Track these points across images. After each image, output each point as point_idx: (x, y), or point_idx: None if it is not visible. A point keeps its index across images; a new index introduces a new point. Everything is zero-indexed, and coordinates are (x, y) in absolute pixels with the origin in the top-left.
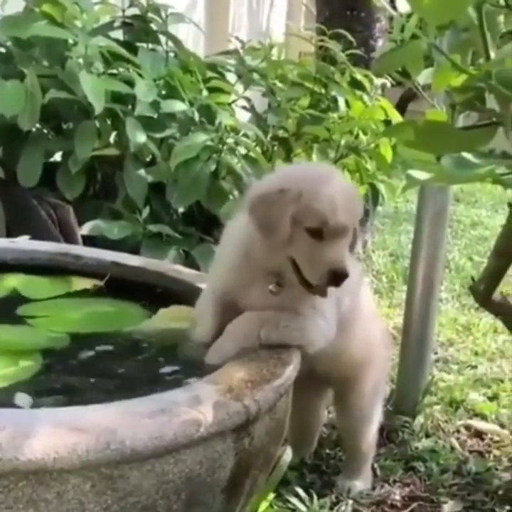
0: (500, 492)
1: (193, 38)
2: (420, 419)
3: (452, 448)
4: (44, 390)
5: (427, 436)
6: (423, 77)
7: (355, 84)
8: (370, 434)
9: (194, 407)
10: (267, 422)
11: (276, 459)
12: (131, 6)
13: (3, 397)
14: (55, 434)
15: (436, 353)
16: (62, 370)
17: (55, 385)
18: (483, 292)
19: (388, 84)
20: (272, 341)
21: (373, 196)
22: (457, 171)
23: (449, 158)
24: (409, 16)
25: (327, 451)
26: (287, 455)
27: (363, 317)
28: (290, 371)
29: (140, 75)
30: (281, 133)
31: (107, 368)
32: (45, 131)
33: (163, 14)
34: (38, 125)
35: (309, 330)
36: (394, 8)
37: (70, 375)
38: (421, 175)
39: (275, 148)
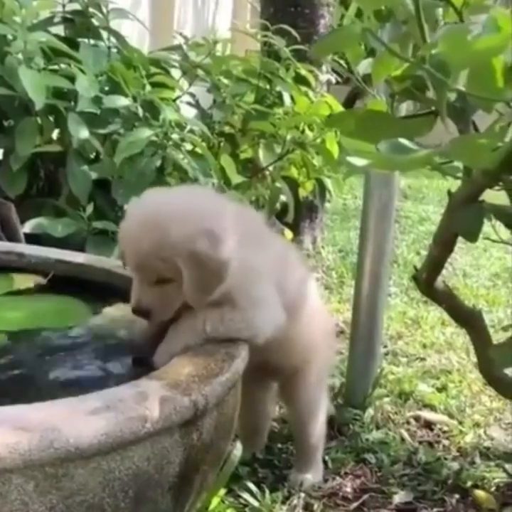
0: (450, 481)
1: (137, 35)
2: (370, 411)
3: (402, 439)
4: None
5: (378, 428)
6: (363, 67)
7: (300, 80)
8: (318, 426)
9: (140, 403)
10: (215, 417)
11: (226, 454)
12: (71, 1)
13: None
14: None
15: (385, 347)
16: (2, 370)
17: None
18: (425, 281)
19: (333, 81)
20: (218, 335)
21: (320, 191)
22: (395, 156)
23: (386, 144)
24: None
25: (279, 445)
26: (237, 450)
27: (309, 306)
28: (238, 364)
29: (82, 71)
30: (227, 129)
31: (49, 367)
32: None
33: (104, 10)
34: None
35: (254, 320)
36: None
37: (10, 375)
38: (359, 162)
39: (221, 144)
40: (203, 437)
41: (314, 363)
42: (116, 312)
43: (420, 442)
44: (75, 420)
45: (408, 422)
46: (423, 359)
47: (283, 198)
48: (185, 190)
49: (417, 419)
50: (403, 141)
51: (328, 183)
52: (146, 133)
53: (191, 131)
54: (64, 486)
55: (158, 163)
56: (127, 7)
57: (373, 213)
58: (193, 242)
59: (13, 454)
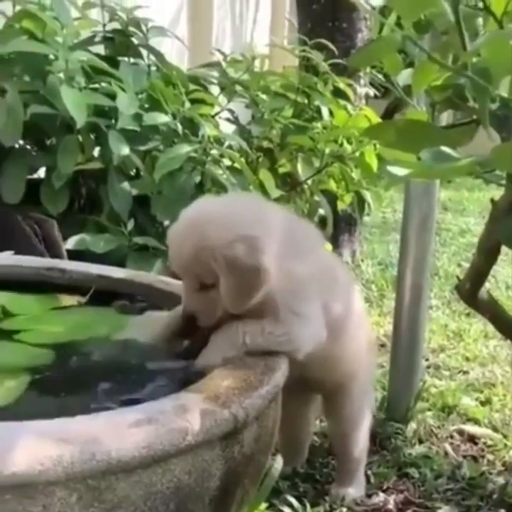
0: (495, 496)
1: (177, 52)
2: (413, 425)
3: (446, 453)
4: (29, 408)
5: (420, 442)
6: (403, 77)
7: (339, 93)
8: (361, 441)
9: (180, 415)
10: (255, 430)
11: (267, 468)
12: (111, 20)
13: None
14: (40, 446)
15: (427, 360)
16: (48, 384)
17: (40, 400)
18: (468, 291)
19: (371, 94)
20: (258, 348)
21: (359, 204)
22: (436, 164)
23: (428, 153)
24: (386, 13)
25: (320, 459)
26: (278, 464)
27: (353, 321)
28: (278, 378)
29: (122, 89)
30: (265, 144)
31: (92, 379)
32: (28, 147)
33: (144, 28)
34: (21, 141)
35: (295, 335)
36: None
37: (55, 389)
38: (400, 171)
39: (260, 159)
40: (243, 450)
41: (357, 378)
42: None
43: (464, 456)
44: (117, 433)
45: (451, 436)
46: (466, 372)
47: (321, 211)
48: (234, 197)
49: (460, 433)
50: (445, 149)
51: (368, 196)
52: (185, 149)
53: (230, 146)
54: (106, 498)
55: (198, 179)
56: (166, 25)
57: (413, 225)
58: (230, 247)
59: (56, 467)
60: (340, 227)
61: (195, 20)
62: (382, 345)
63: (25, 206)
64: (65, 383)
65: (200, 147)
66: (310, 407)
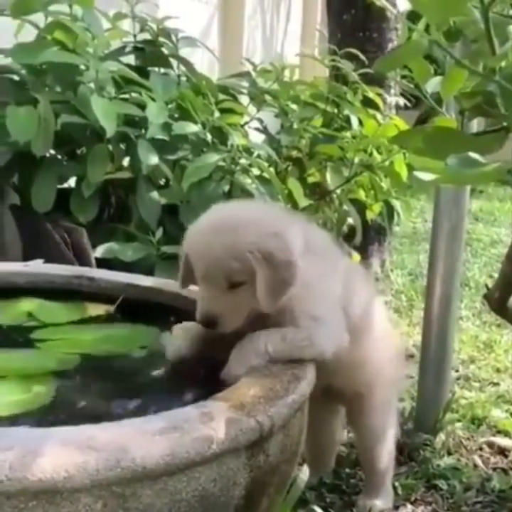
0: None
1: (208, 63)
2: (442, 436)
3: (475, 465)
4: (56, 414)
5: (449, 453)
6: (432, 85)
7: (368, 103)
8: (386, 451)
9: (206, 423)
10: (281, 439)
11: (292, 477)
12: (142, 31)
13: (15, 424)
14: (65, 452)
15: (457, 371)
16: (75, 392)
17: (67, 407)
18: (497, 300)
19: (401, 104)
20: (281, 355)
21: (389, 214)
22: (464, 170)
23: (455, 158)
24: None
25: (347, 470)
26: (304, 474)
27: (375, 330)
28: (304, 386)
29: (152, 98)
30: (295, 153)
31: (119, 388)
32: (59, 156)
33: (174, 39)
34: (52, 151)
35: (316, 339)
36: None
37: (82, 396)
38: (427, 176)
39: (289, 168)
40: (269, 459)
41: (381, 388)
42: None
43: (494, 469)
44: (142, 440)
45: (481, 448)
46: (496, 384)
47: (350, 220)
48: (252, 202)
49: (490, 445)
50: (472, 155)
51: (397, 205)
52: (213, 158)
53: (259, 156)
54: (131, 506)
55: (226, 188)
56: (197, 36)
57: (443, 234)
58: (267, 242)
59: (81, 473)
60: (369, 237)
61: (226, 31)
62: (412, 356)
63: (55, 215)
64: (92, 390)
65: (229, 156)
66: (336, 417)
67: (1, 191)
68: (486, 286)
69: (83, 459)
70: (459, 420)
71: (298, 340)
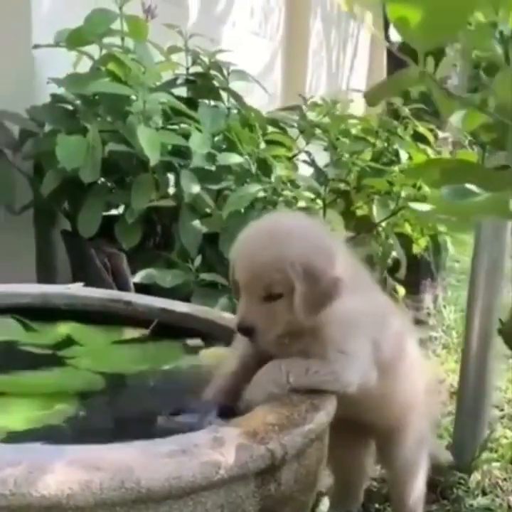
0: None
1: (269, 98)
2: (477, 475)
3: (509, 507)
4: (72, 432)
5: (484, 493)
6: (456, 118)
7: (419, 138)
8: (416, 490)
9: (215, 448)
10: (295, 469)
11: (308, 508)
12: (194, 63)
13: (29, 439)
14: (70, 470)
15: (502, 410)
16: (97, 411)
17: (85, 426)
18: None
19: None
20: (302, 387)
21: (435, 249)
22: (457, 201)
23: (449, 188)
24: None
25: (376, 505)
26: (324, 505)
27: (406, 363)
28: (322, 417)
29: (198, 129)
30: (342, 186)
31: (141, 409)
32: (108, 184)
33: (225, 72)
34: (102, 178)
35: (341, 374)
36: (387, 38)
37: (103, 416)
38: (424, 207)
39: (337, 200)
40: (281, 489)
41: (412, 423)
42: (213, 354)
43: None
44: (148, 462)
45: None
46: None
47: (395, 253)
48: (303, 215)
49: None
50: (468, 186)
51: (447, 241)
52: (254, 188)
53: (308, 188)
54: None
55: None
56: (260, 71)
57: (482, 269)
58: (310, 256)
59: (84, 492)
60: (421, 272)
61: (289, 66)
62: (455, 393)
63: (100, 240)
64: (114, 410)
65: (270, 187)
66: (366, 450)
67: (52, 216)
68: (500, 320)
69: (87, 478)
70: (497, 460)
71: (322, 374)
